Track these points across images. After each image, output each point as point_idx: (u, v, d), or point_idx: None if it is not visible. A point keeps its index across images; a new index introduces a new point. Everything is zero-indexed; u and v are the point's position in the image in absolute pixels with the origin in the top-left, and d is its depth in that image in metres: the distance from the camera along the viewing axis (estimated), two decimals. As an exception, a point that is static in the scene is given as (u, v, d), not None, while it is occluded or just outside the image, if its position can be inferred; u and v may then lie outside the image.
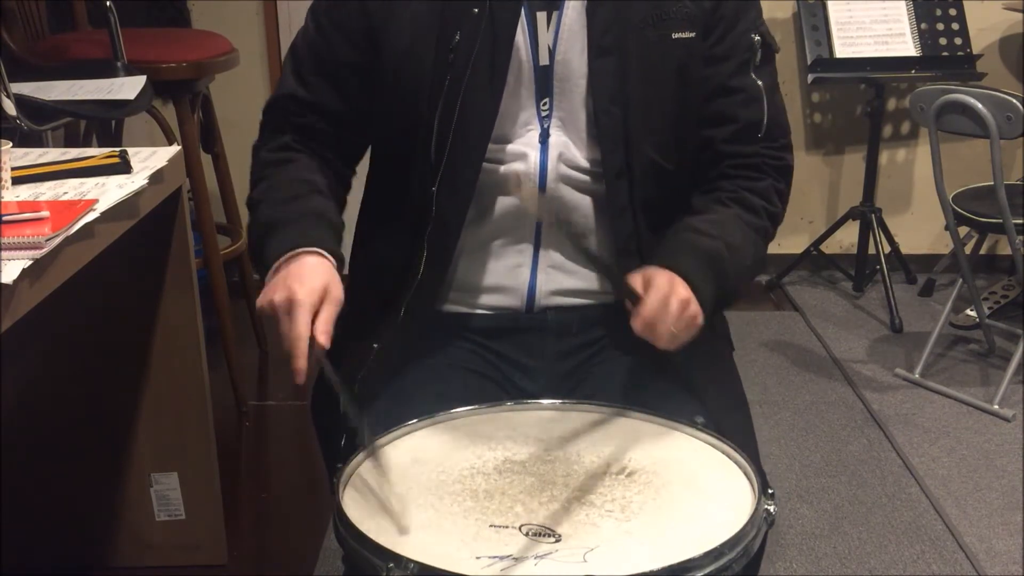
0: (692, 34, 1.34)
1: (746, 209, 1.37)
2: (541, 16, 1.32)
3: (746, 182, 1.38)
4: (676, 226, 1.35)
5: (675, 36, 1.33)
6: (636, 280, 1.21)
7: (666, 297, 1.17)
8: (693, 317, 1.20)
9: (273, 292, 1.18)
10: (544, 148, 1.35)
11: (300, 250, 1.23)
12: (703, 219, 1.35)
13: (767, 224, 1.39)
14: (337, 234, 1.29)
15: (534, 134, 1.35)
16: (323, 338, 1.15)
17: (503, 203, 1.37)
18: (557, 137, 1.35)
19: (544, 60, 1.33)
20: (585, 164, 1.36)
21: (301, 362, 1.14)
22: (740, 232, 1.34)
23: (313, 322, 1.16)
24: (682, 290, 1.20)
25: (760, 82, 1.37)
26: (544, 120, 1.35)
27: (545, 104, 1.34)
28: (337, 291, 1.20)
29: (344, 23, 1.35)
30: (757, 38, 1.37)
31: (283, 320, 1.16)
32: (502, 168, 1.35)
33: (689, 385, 1.32)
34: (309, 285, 1.18)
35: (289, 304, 1.16)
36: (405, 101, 1.33)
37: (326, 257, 1.24)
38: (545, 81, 1.34)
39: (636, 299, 1.19)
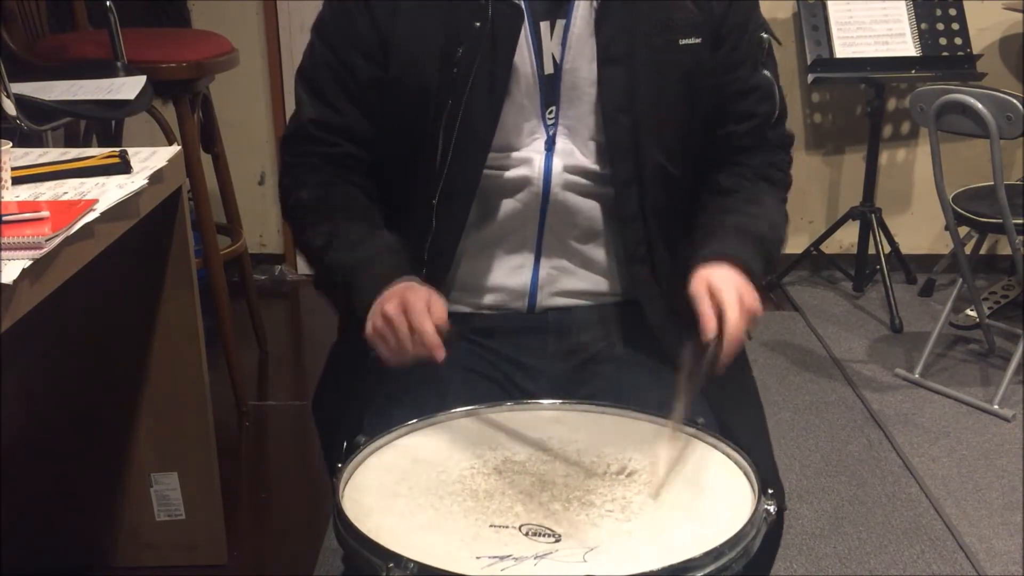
0: (699, 40, 1.34)
1: (774, 184, 1.42)
2: (544, 26, 1.33)
3: (764, 157, 1.43)
4: (714, 207, 1.38)
5: (682, 43, 1.34)
6: (703, 296, 1.22)
7: (739, 320, 1.20)
8: (753, 312, 1.23)
9: (384, 309, 1.21)
10: (549, 155, 1.35)
11: (394, 282, 1.25)
12: (740, 199, 1.38)
13: (785, 195, 1.45)
14: (412, 265, 1.32)
15: (540, 142, 1.35)
16: (441, 322, 1.19)
17: (506, 206, 1.37)
18: (563, 144, 1.35)
19: (549, 69, 1.33)
20: (591, 170, 1.36)
21: (439, 349, 1.17)
22: (775, 209, 1.40)
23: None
24: (748, 293, 1.23)
25: (768, 74, 1.41)
26: (549, 128, 1.35)
27: (551, 112, 1.35)
28: (437, 295, 1.23)
29: (358, 41, 1.34)
30: (765, 36, 1.40)
31: (402, 325, 1.19)
32: (506, 174, 1.35)
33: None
34: (416, 293, 1.21)
35: (403, 309, 1.19)
36: (410, 114, 1.33)
37: (416, 283, 1.26)
38: (550, 90, 1.34)
39: (713, 324, 1.20)
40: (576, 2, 1.32)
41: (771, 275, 1.40)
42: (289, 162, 1.42)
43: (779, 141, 1.45)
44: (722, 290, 1.22)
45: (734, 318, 1.19)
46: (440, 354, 1.17)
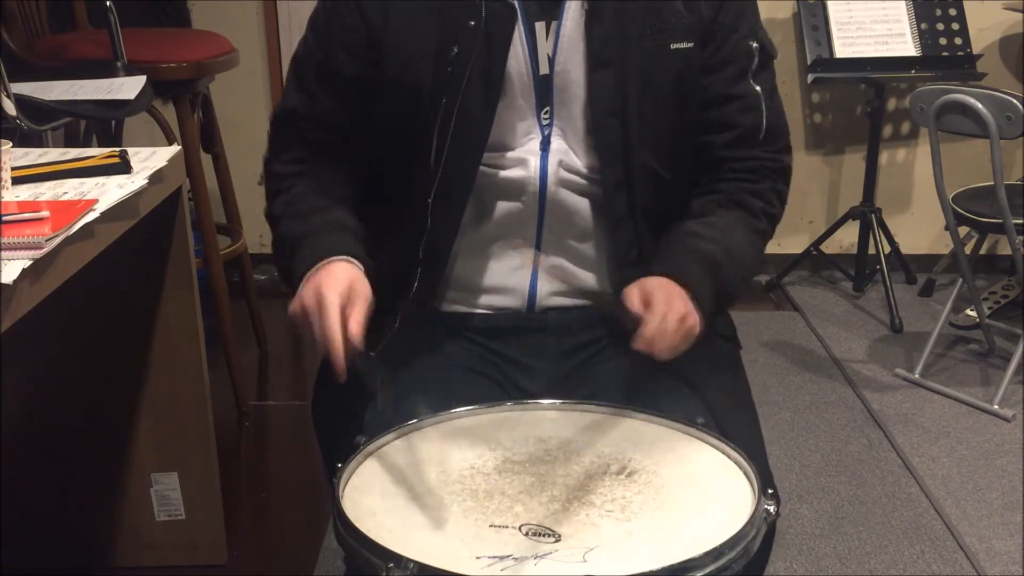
0: (690, 44, 1.34)
1: (746, 211, 1.37)
2: (540, 27, 1.33)
3: (746, 184, 1.38)
4: (675, 230, 1.35)
5: (673, 46, 1.33)
6: (633, 296, 1.21)
7: (664, 316, 1.18)
8: (691, 328, 1.21)
9: (303, 297, 1.20)
10: (545, 155, 1.35)
11: (327, 259, 1.25)
12: (702, 223, 1.35)
13: (766, 226, 1.39)
14: (359, 241, 1.31)
15: (535, 142, 1.35)
16: (356, 331, 1.16)
17: (504, 206, 1.37)
18: (558, 144, 1.35)
19: (544, 70, 1.33)
20: (585, 170, 1.36)
21: (338, 358, 1.14)
22: (740, 235, 1.35)
23: (345, 322, 1.17)
24: (679, 304, 1.20)
25: (758, 88, 1.37)
26: (545, 128, 1.35)
27: (546, 113, 1.35)
28: (364, 289, 1.22)
29: (345, 37, 1.35)
30: (755, 45, 1.37)
31: (314, 321, 1.18)
32: (502, 173, 1.35)
33: (694, 387, 1.32)
34: (336, 286, 1.19)
35: (319, 305, 1.17)
36: (405, 113, 1.34)
37: (352, 262, 1.25)
38: (546, 90, 1.34)
39: (634, 318, 1.19)
40: (567, 3, 1.32)
41: (728, 306, 1.37)
42: (272, 138, 1.46)
43: (769, 167, 1.40)
44: (653, 289, 1.20)
45: (658, 310, 1.17)
46: (339, 367, 1.14)
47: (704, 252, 1.29)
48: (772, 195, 1.40)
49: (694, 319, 1.21)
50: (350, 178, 1.42)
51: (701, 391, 1.32)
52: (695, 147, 1.39)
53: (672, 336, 1.18)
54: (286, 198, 1.39)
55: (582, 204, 1.38)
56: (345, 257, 1.26)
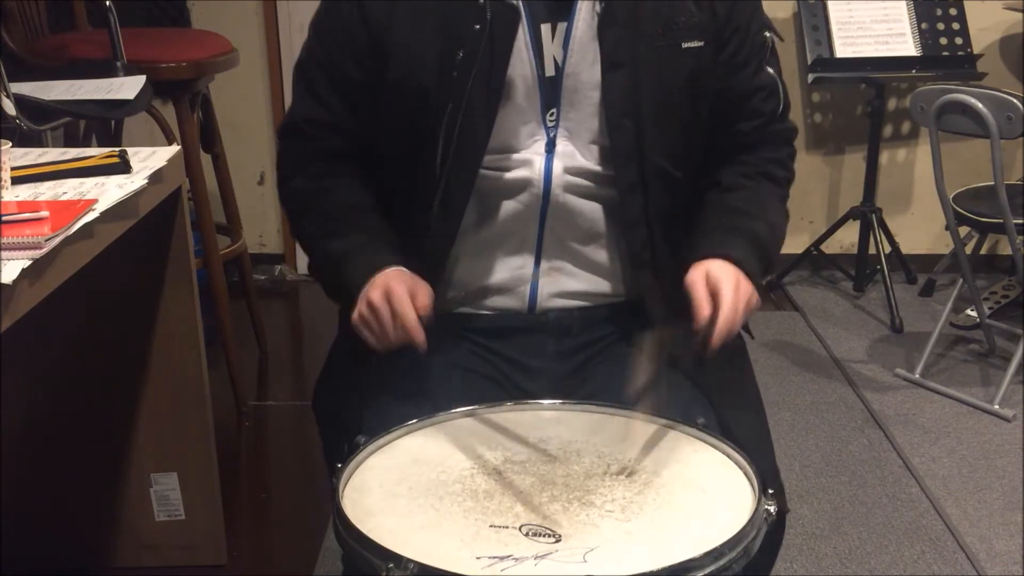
0: (701, 43, 1.34)
1: (773, 182, 1.42)
2: (546, 28, 1.32)
3: (768, 154, 1.43)
4: (714, 205, 1.39)
5: (685, 46, 1.34)
6: (700, 286, 1.24)
7: (735, 306, 1.23)
8: (755, 307, 1.28)
9: (369, 298, 1.25)
10: (550, 157, 1.35)
11: (379, 272, 1.29)
12: (740, 197, 1.39)
13: (787, 192, 1.46)
14: (398, 248, 1.35)
15: (540, 143, 1.35)
16: (425, 311, 1.24)
17: (507, 208, 1.37)
18: (563, 147, 1.35)
19: (550, 71, 1.33)
20: (593, 172, 1.36)
21: (418, 334, 1.22)
22: (774, 208, 1.41)
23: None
24: (745, 284, 1.26)
25: (772, 71, 1.42)
26: (550, 130, 1.35)
27: (552, 114, 1.34)
28: (424, 284, 1.28)
29: (349, 42, 1.35)
30: (768, 35, 1.40)
31: (385, 313, 1.23)
32: (506, 175, 1.35)
33: (701, 385, 1.33)
34: (400, 280, 1.26)
35: (388, 298, 1.23)
36: (410, 117, 1.34)
37: (402, 271, 1.30)
38: (551, 92, 1.34)
39: (699, 306, 1.23)
40: (579, 4, 1.32)
41: (769, 276, 1.43)
42: (284, 152, 1.45)
43: (783, 135, 1.46)
44: (720, 278, 1.24)
45: (729, 301, 1.22)
46: (420, 339, 1.22)
47: (750, 230, 1.34)
48: (789, 160, 1.46)
49: (756, 297, 1.28)
50: (369, 182, 1.42)
51: (707, 388, 1.32)
52: (719, 137, 1.41)
53: (742, 319, 1.25)
54: (317, 216, 1.39)
55: (588, 207, 1.38)
56: (395, 268, 1.29)
